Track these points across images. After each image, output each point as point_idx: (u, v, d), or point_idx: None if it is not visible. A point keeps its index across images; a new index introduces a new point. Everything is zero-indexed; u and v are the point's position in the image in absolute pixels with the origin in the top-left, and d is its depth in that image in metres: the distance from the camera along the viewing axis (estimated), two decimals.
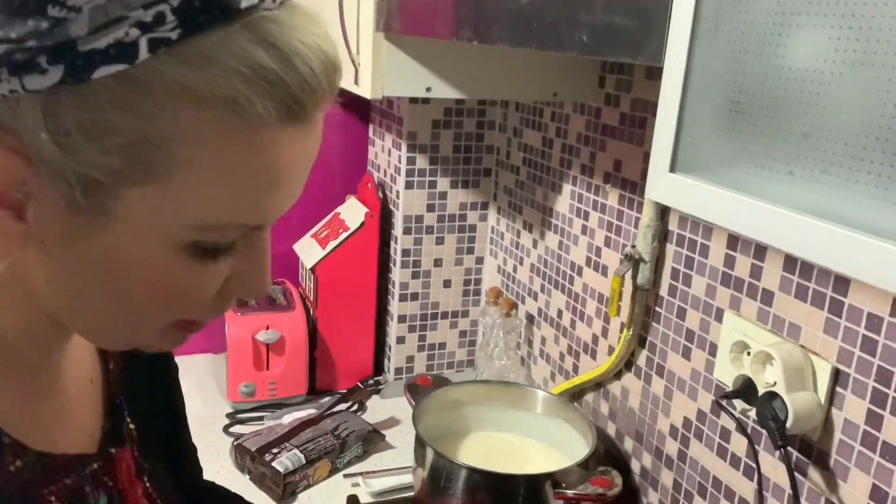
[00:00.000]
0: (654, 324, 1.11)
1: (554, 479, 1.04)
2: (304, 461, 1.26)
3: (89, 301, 0.46)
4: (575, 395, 1.30)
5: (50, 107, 0.38)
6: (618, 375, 1.20)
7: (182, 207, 0.41)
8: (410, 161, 1.50)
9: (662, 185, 0.50)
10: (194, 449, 0.79)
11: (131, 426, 0.62)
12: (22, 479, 0.49)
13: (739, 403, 0.89)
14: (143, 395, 0.65)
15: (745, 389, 0.87)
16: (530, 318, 1.46)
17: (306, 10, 0.44)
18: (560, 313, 1.35)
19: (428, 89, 1.09)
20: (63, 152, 0.39)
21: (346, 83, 1.14)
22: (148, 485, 0.62)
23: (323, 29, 0.44)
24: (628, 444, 1.18)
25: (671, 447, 1.09)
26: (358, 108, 1.70)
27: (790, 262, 0.86)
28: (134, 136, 0.39)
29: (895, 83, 0.36)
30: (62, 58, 0.37)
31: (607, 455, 1.22)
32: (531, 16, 0.63)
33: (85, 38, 0.37)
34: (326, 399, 1.52)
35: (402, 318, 1.59)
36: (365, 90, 1.07)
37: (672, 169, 0.49)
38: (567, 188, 1.30)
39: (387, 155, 1.60)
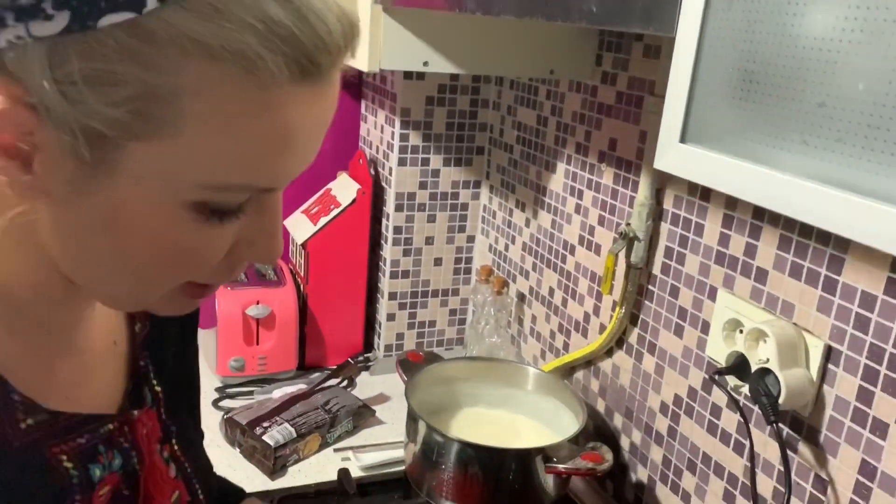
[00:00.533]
0: (646, 302, 1.11)
1: (545, 453, 1.05)
2: (294, 435, 1.27)
3: (95, 257, 0.45)
4: (566, 372, 1.31)
5: (56, 55, 0.37)
6: (609, 353, 1.20)
7: (189, 165, 0.40)
8: (403, 138, 1.49)
9: (673, 155, 0.50)
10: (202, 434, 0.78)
11: (157, 388, 0.62)
12: (32, 436, 0.49)
13: (732, 380, 0.90)
14: (170, 357, 0.65)
15: (739, 366, 0.88)
16: (521, 297, 1.46)
17: None
18: (552, 291, 1.36)
19: (425, 63, 1.08)
20: (68, 103, 0.38)
21: None
22: (176, 448, 0.62)
23: None
24: (618, 421, 1.20)
25: (661, 424, 1.10)
26: (351, 84, 1.69)
27: (785, 240, 0.87)
28: (140, 89, 0.38)
29: None
30: (67, 3, 0.36)
31: (597, 432, 1.23)
32: None
33: None
34: (316, 375, 1.52)
35: (392, 296, 1.59)
36: (362, 63, 1.06)
37: (683, 139, 0.49)
38: (561, 167, 1.30)
39: (379, 131, 1.59)
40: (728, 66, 0.47)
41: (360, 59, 1.07)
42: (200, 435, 0.75)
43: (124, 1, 0.36)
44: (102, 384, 0.57)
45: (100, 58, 0.37)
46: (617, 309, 1.14)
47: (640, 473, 1.15)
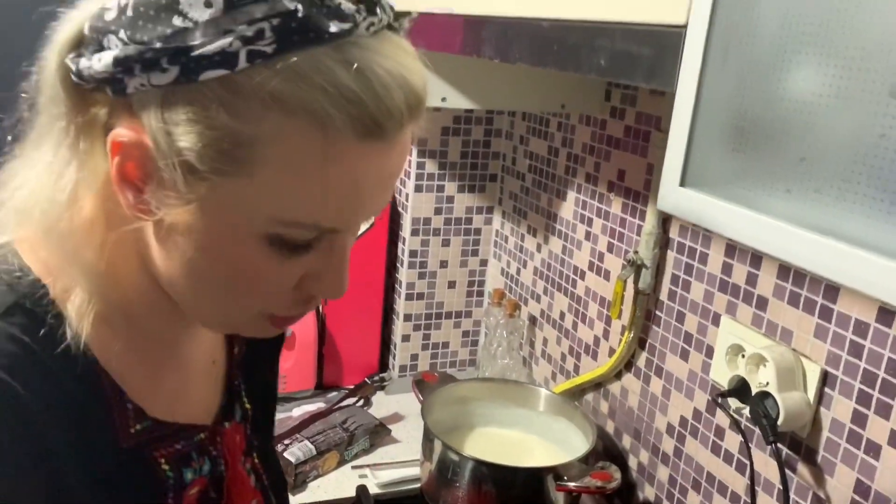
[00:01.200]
0: (653, 327, 1.16)
1: (556, 472, 1.10)
2: (314, 452, 1.32)
3: (186, 277, 0.51)
4: (575, 394, 1.36)
5: (166, 101, 0.45)
6: (618, 376, 1.25)
7: (263, 200, 0.47)
8: (420, 166, 1.55)
9: (674, 198, 0.55)
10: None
11: (247, 405, 0.69)
12: (139, 441, 0.56)
13: (734, 402, 0.94)
14: (259, 378, 0.72)
15: (740, 389, 0.93)
16: (532, 320, 1.51)
17: (399, 42, 0.49)
18: (562, 315, 1.41)
19: (443, 99, 1.14)
20: (172, 139, 0.46)
21: None
22: (256, 461, 0.69)
23: (412, 60, 0.49)
24: (626, 441, 1.24)
25: (668, 444, 1.14)
26: None
27: (784, 270, 0.92)
28: (228, 132, 0.45)
29: (877, 117, 0.42)
30: (178, 60, 0.44)
31: (606, 451, 1.28)
32: (552, 39, 0.68)
33: (198, 46, 0.44)
34: (334, 394, 1.57)
35: (407, 317, 1.64)
36: None
37: (682, 183, 0.55)
38: (571, 195, 1.36)
39: None
40: (722, 119, 0.52)
41: None
42: (274, 451, 0.82)
43: (221, 59, 0.44)
44: (200, 397, 0.64)
45: (198, 104, 0.45)
46: (626, 333, 1.19)
47: (648, 492, 1.19)
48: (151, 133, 0.46)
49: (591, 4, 0.65)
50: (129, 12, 0.46)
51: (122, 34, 0.46)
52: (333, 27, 0.45)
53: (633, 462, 1.22)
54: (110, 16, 0.46)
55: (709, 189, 0.54)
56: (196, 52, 0.44)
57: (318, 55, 0.45)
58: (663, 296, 1.14)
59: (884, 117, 0.41)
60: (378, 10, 0.47)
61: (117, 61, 0.45)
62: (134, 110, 0.47)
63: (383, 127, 0.46)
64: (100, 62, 0.46)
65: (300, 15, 0.44)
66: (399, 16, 0.50)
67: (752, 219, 0.48)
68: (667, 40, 0.56)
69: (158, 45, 0.44)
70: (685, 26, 0.55)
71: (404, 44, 0.49)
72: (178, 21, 0.44)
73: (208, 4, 0.44)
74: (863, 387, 0.83)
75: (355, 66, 0.45)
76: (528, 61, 0.73)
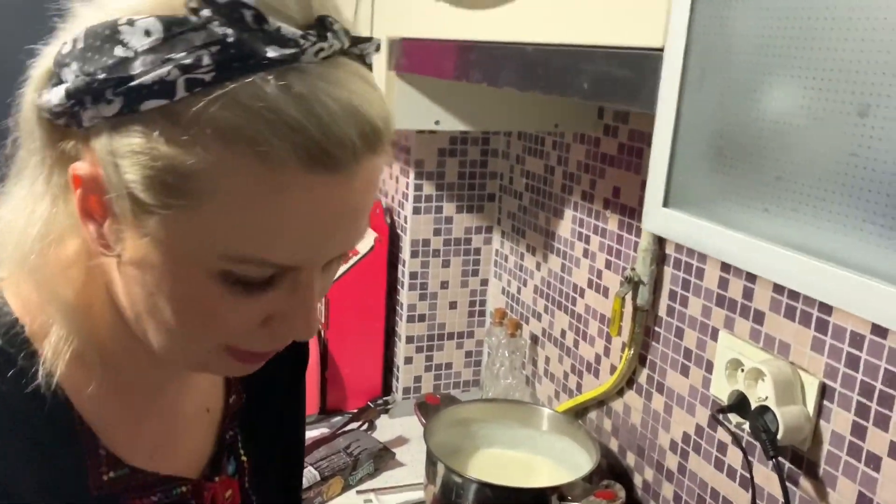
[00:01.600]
0: (653, 343, 1.16)
1: (560, 492, 1.10)
2: (318, 478, 1.31)
3: (147, 314, 0.50)
4: (579, 412, 1.36)
5: (114, 132, 0.45)
6: (620, 393, 1.25)
7: (211, 236, 0.45)
8: (417, 188, 1.56)
9: (657, 218, 0.56)
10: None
11: (243, 458, 0.65)
12: (112, 489, 0.54)
13: (734, 417, 0.94)
14: (265, 429, 0.68)
15: (739, 404, 0.93)
16: (534, 339, 1.51)
17: (355, 68, 0.46)
18: (563, 333, 1.41)
19: (437, 122, 1.15)
20: (119, 173, 0.45)
21: None
22: None
23: (368, 88, 0.46)
24: (630, 459, 1.24)
25: (671, 461, 1.14)
26: None
27: (779, 284, 0.92)
28: (170, 164, 0.44)
29: (847, 136, 0.42)
30: (121, 90, 0.43)
31: (610, 470, 1.27)
32: (537, 63, 0.69)
33: (137, 75, 0.43)
34: (338, 419, 1.57)
35: (409, 339, 1.65)
36: None
37: (665, 204, 0.55)
38: (569, 213, 1.36)
39: (395, 182, 1.66)
40: (702, 140, 0.53)
41: None
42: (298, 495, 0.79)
43: (160, 88, 0.43)
44: (188, 448, 0.61)
45: (142, 136, 0.44)
46: (626, 350, 1.19)
47: None
48: (103, 165, 0.46)
49: (573, 29, 0.66)
50: (80, 44, 0.45)
51: (73, 66, 0.45)
52: (272, 52, 0.43)
53: (637, 480, 1.22)
54: (66, 49, 0.46)
55: (691, 209, 0.54)
56: (136, 82, 0.43)
57: (258, 82, 0.43)
58: (662, 312, 1.14)
59: (853, 136, 0.42)
60: (329, 36, 0.45)
61: (69, 94, 0.45)
62: (90, 144, 0.46)
63: (333, 156, 0.44)
64: (56, 96, 0.46)
65: (238, 41, 0.43)
66: (358, 41, 0.47)
67: (733, 237, 0.49)
68: (646, 63, 0.57)
69: (102, 75, 0.44)
70: (662, 49, 0.55)
71: (362, 70, 0.47)
72: (119, 51, 0.44)
73: (147, 33, 0.43)
74: (861, 399, 0.83)
75: (295, 91, 0.43)
76: (516, 85, 0.74)
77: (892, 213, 0.41)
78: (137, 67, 0.43)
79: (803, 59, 0.45)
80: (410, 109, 1.14)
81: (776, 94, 0.47)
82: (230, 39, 0.43)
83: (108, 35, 0.44)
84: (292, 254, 0.46)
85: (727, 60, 0.51)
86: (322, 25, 0.45)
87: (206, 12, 0.43)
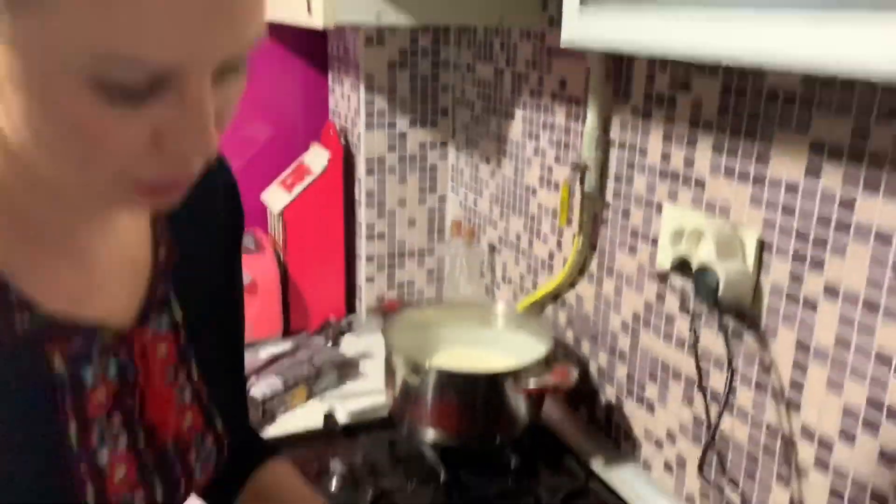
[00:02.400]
0: (602, 229, 1.17)
1: (516, 375, 1.11)
2: (281, 388, 1.32)
3: (31, 139, 0.46)
4: (537, 311, 1.37)
5: None
6: (572, 284, 1.26)
7: (72, 34, 0.40)
8: (369, 103, 1.55)
9: (576, 25, 0.55)
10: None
11: (176, 313, 0.63)
12: (26, 337, 0.51)
13: (679, 280, 0.96)
14: (200, 282, 0.66)
15: (682, 266, 0.94)
16: (492, 248, 1.52)
17: None
18: (518, 236, 1.42)
19: (378, 15, 1.14)
20: None
21: (300, 16, 1.18)
22: (195, 374, 0.64)
23: None
24: (585, 348, 1.25)
25: (623, 342, 1.16)
26: (318, 59, 1.75)
27: (719, 137, 0.93)
28: None
29: None
30: None
31: (567, 359, 1.29)
32: None
33: None
34: (301, 336, 1.57)
35: (370, 258, 1.65)
36: (317, 19, 1.12)
37: (582, 1, 0.53)
38: (519, 114, 1.36)
39: (346, 101, 1.65)
40: None
41: (316, 16, 1.13)
42: (240, 376, 0.77)
43: None
44: (113, 297, 0.58)
45: None
46: (575, 239, 1.20)
47: (609, 393, 1.21)
48: None
49: None
50: None
51: None
52: None
53: (593, 367, 1.24)
54: None
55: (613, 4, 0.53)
56: None
57: None
58: (609, 196, 1.15)
59: None
60: None
61: None
62: None
63: None
64: None
65: None
66: None
67: (665, 18, 0.47)
68: None
69: None
70: None
71: None
72: None
73: None
74: (798, 245, 0.85)
75: None
76: None
77: None
78: None
79: None
80: (350, 2, 1.12)
81: None
82: None
83: None
84: (162, 48, 0.42)
85: None
86: None
87: None
